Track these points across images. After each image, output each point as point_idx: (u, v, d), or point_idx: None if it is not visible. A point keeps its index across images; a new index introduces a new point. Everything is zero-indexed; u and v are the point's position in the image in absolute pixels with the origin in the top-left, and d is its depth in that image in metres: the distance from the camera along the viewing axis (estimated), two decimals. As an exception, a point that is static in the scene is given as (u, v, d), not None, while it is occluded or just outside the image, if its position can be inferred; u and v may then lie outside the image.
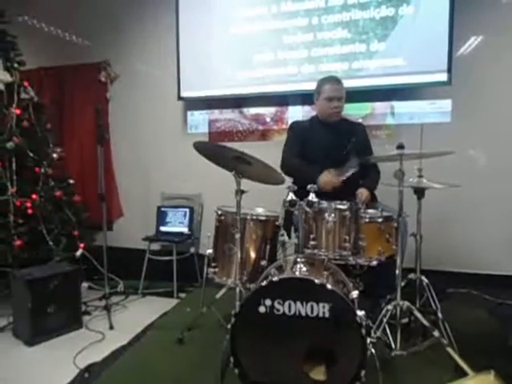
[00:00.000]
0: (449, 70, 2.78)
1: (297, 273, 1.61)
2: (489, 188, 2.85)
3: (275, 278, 1.50)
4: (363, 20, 2.94)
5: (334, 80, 2.46)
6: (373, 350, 1.53)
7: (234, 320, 1.52)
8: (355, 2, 2.94)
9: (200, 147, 1.92)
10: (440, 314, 1.94)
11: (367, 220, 1.90)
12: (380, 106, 3.09)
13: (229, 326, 1.53)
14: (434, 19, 2.79)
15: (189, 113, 3.55)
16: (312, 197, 1.63)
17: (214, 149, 1.93)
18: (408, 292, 2.09)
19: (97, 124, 2.67)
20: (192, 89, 3.38)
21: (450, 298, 2.72)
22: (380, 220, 1.89)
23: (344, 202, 1.74)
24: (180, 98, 3.41)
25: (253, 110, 3.38)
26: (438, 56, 2.79)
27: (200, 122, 3.53)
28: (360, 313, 1.46)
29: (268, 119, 3.35)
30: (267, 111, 3.35)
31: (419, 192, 1.99)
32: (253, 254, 2.07)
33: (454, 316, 2.40)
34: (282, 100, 3.28)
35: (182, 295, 2.99)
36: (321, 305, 1.46)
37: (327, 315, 1.46)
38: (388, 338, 1.86)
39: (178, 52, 3.36)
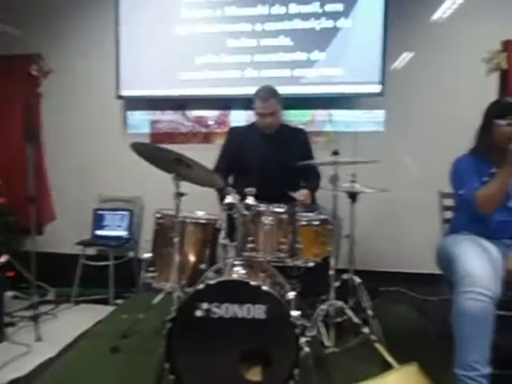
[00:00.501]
0: (382, 83, 2.96)
1: (234, 275, 1.62)
2: (415, 193, 3.07)
3: (212, 281, 1.50)
4: (304, 30, 3.04)
5: (264, 96, 2.39)
6: (307, 349, 1.58)
7: (170, 325, 1.50)
8: (297, 12, 3.04)
9: (138, 148, 1.87)
10: (370, 312, 2.05)
11: (304, 223, 1.96)
12: (320, 114, 3.22)
13: (164, 332, 1.50)
14: (369, 34, 2.96)
15: (129, 112, 3.44)
16: (250, 200, 1.65)
17: (153, 150, 1.88)
18: (342, 292, 2.20)
19: (25, 120, 2.49)
20: (132, 88, 3.27)
21: (381, 296, 2.89)
22: (316, 223, 1.96)
23: (281, 205, 1.79)
24: (119, 96, 3.29)
25: (196, 113, 3.36)
26: (372, 68, 2.97)
27: (141, 122, 3.43)
28: (295, 313, 1.51)
29: (211, 122, 3.34)
30: (210, 114, 3.34)
31: (353, 196, 2.09)
32: (192, 258, 2.05)
33: (384, 313, 2.56)
34: (225, 103, 3.29)
35: (120, 302, 2.88)
36: (257, 306, 1.48)
37: (263, 316, 1.48)
38: (323, 337, 1.93)
39: (118, 48, 3.23)
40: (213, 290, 1.49)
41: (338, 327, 2.05)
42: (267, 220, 1.70)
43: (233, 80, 3.15)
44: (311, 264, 1.98)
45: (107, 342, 2.07)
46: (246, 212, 1.64)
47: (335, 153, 1.83)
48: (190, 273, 2.02)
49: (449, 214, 2.15)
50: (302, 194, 2.21)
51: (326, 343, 1.89)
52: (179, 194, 1.87)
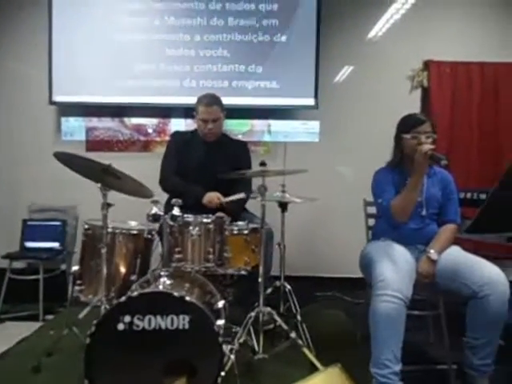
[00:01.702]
0: (315, 96, 3.11)
1: (160, 286, 1.62)
2: (346, 201, 3.20)
3: (134, 294, 1.49)
4: (242, 43, 3.12)
5: (208, 101, 2.41)
6: (232, 357, 1.61)
7: (90, 340, 1.46)
8: (235, 25, 3.11)
9: (61, 158, 1.81)
10: (299, 317, 2.12)
11: (235, 232, 2.00)
12: (258, 124, 3.30)
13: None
14: (304, 49, 3.11)
15: (63, 119, 3.31)
16: (176, 211, 1.66)
17: (78, 160, 1.84)
18: (275, 298, 2.27)
19: None
20: (67, 93, 3.16)
21: (317, 301, 3.00)
22: (246, 232, 2.00)
23: (209, 216, 1.82)
24: (52, 102, 3.16)
25: (134, 120, 3.31)
26: (307, 82, 3.11)
27: (76, 129, 3.31)
28: (219, 322, 1.53)
29: (150, 130, 3.31)
30: (149, 122, 3.31)
31: (283, 205, 2.17)
32: (122, 269, 2.01)
33: (318, 317, 2.67)
34: (164, 112, 3.28)
35: (50, 317, 2.74)
36: (181, 317, 1.49)
37: (187, 327, 1.49)
38: (253, 343, 1.97)
39: (51, 52, 3.11)
40: (135, 302, 1.48)
41: (269, 333, 2.11)
42: (194, 230, 1.72)
43: (172, 89, 3.15)
44: (243, 272, 2.03)
45: (30, 361, 1.97)
46: (171, 223, 1.64)
47: (262, 164, 1.89)
48: (120, 285, 1.98)
49: (372, 222, 2.29)
50: (209, 197, 2.24)
51: (257, 349, 1.93)
52: (106, 205, 1.84)
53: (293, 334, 1.89)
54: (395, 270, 1.67)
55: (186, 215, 1.79)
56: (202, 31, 3.11)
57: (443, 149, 3.19)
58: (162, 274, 1.66)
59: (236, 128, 3.27)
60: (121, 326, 1.47)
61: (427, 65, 3.29)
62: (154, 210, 1.67)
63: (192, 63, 3.14)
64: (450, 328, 1.87)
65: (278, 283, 2.21)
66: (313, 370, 1.89)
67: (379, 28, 3.40)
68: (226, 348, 1.57)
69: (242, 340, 1.84)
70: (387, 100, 3.32)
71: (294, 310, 2.18)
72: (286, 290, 2.19)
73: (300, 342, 1.90)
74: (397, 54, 3.34)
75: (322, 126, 3.32)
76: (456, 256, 1.79)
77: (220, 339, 1.49)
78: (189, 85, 3.14)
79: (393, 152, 2.00)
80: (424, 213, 1.91)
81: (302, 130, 3.31)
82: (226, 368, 1.67)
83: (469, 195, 2.51)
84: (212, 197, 2.27)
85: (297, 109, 3.22)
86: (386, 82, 3.35)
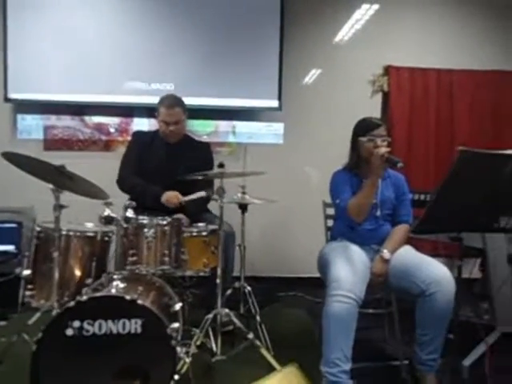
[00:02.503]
0: (279, 98, 3.14)
1: (113, 290, 1.58)
2: (309, 202, 3.27)
3: (83, 298, 1.45)
4: (207, 44, 3.11)
5: (170, 103, 2.38)
6: (187, 360, 1.60)
7: (37, 347, 1.41)
8: (199, 26, 3.09)
9: (10, 158, 1.74)
10: (259, 318, 2.13)
11: (194, 234, 1.99)
12: (223, 125, 3.30)
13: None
14: (267, 52, 3.15)
15: (19, 116, 3.18)
16: (129, 213, 1.63)
17: (29, 161, 1.77)
18: (236, 299, 2.27)
19: None
20: (23, 90, 3.04)
21: (279, 301, 3.02)
22: (205, 233, 1.99)
23: (165, 218, 1.80)
24: (7, 99, 3.03)
25: (96, 119, 3.23)
26: (271, 84, 3.13)
27: (33, 127, 3.19)
28: (174, 325, 1.52)
29: (112, 129, 3.23)
30: (111, 121, 3.23)
31: (242, 207, 2.18)
32: (77, 273, 1.95)
33: (279, 317, 2.70)
34: (127, 111, 3.21)
35: (2, 323, 2.62)
36: (133, 321, 1.46)
37: (139, 331, 1.47)
38: (212, 345, 1.96)
39: (5, 48, 2.98)
40: (84, 306, 1.44)
41: (229, 335, 2.11)
42: (149, 232, 1.69)
43: (135, 88, 3.09)
44: (202, 274, 2.02)
45: (-24, 371, 1.88)
46: (125, 225, 1.61)
47: (221, 165, 1.89)
48: (75, 289, 1.92)
49: (331, 223, 2.33)
50: (167, 196, 2.22)
51: (215, 351, 1.92)
52: (59, 206, 1.78)
53: (250, 335, 1.90)
54: (349, 270, 1.70)
55: (141, 217, 1.76)
56: (166, 30, 3.07)
57: (402, 151, 3.31)
58: (115, 277, 1.62)
59: (200, 129, 3.25)
60: (69, 332, 1.43)
61: (387, 70, 3.39)
62: (107, 211, 1.63)
63: (155, 62, 3.09)
64: (405, 325, 1.94)
65: (237, 284, 2.21)
66: (271, 370, 1.90)
67: (344, 33, 3.48)
68: (180, 351, 1.55)
69: (199, 342, 1.83)
70: (350, 103, 3.40)
71: (254, 311, 2.18)
72: (246, 290, 2.19)
73: (258, 342, 1.91)
74: (360, 59, 3.43)
75: (287, 127, 3.36)
76: (406, 255, 1.85)
77: (173, 342, 1.47)
78: (152, 84, 3.10)
79: (349, 155, 2.04)
80: (378, 214, 1.96)
81: (267, 132, 3.34)
82: (182, 371, 1.66)
83: (425, 197, 2.61)
84: (170, 196, 2.24)
85: (261, 110, 3.24)
86: (350, 85, 3.43)
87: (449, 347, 1.72)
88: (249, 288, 2.21)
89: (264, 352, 1.91)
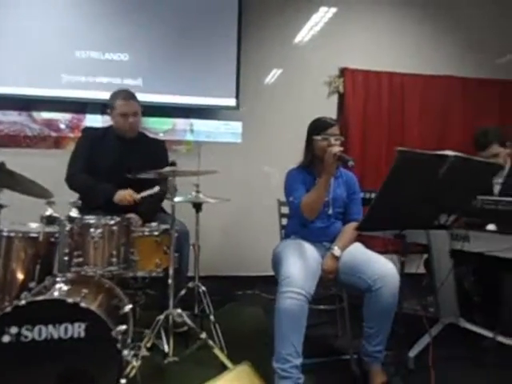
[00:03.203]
0: (237, 96, 3.13)
1: (55, 293, 1.51)
2: (266, 201, 3.30)
3: (21, 302, 1.38)
4: (163, 41, 3.06)
5: (127, 95, 2.35)
6: (135, 363, 1.56)
7: (-32, 356, 1.33)
8: (156, 22, 3.03)
9: None
10: (212, 317, 2.12)
11: (146, 233, 1.94)
12: (180, 123, 3.25)
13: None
14: (225, 51, 3.15)
15: (-42, 110, 2.99)
16: (74, 212, 1.57)
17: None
18: (188, 299, 2.24)
19: None
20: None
21: (237, 300, 3.02)
22: (157, 233, 1.95)
23: (114, 217, 1.74)
24: None
25: (45, 115, 3.08)
26: (229, 83, 3.12)
27: (-25, 122, 3.00)
28: (120, 327, 1.48)
29: (62, 126, 3.10)
30: (62, 117, 3.10)
31: (197, 206, 2.15)
32: (20, 276, 1.86)
33: (236, 316, 2.70)
34: (79, 106, 3.09)
35: None
36: (76, 325, 1.41)
37: (83, 335, 1.42)
38: (164, 346, 1.93)
39: None
40: (22, 311, 1.37)
41: (183, 335, 2.09)
42: (96, 232, 1.64)
43: (88, 82, 2.98)
44: (154, 274, 1.98)
45: None
46: (68, 225, 1.54)
47: (172, 163, 1.86)
48: (16, 293, 1.82)
49: (285, 221, 2.36)
50: (120, 194, 2.17)
51: (167, 352, 1.89)
52: (-2, 206, 1.69)
53: (203, 335, 1.88)
54: (300, 267, 1.73)
55: (87, 216, 1.70)
56: (121, 25, 2.99)
57: (356, 151, 3.41)
58: (59, 279, 1.55)
59: (157, 126, 3.19)
60: (6, 338, 1.36)
61: (343, 72, 3.48)
62: (49, 211, 1.56)
63: (110, 58, 2.99)
64: (356, 320, 1.99)
65: (191, 284, 2.19)
66: (224, 369, 1.89)
67: (304, 34, 3.53)
68: (128, 354, 1.51)
69: (149, 344, 1.79)
70: (307, 103, 3.45)
71: (208, 311, 2.17)
72: (201, 290, 2.17)
73: (211, 342, 1.90)
74: (317, 60, 3.49)
75: (245, 127, 3.36)
76: (355, 253, 1.90)
77: (119, 346, 1.44)
78: (105, 79, 3.00)
79: (304, 153, 2.08)
80: (330, 212, 2.01)
81: (225, 131, 3.33)
82: (131, 375, 1.62)
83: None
84: (124, 194, 2.18)
85: (219, 109, 3.22)
86: (307, 86, 3.49)
87: (396, 340, 1.79)
88: (203, 288, 2.19)
89: (217, 352, 1.90)
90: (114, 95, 2.38)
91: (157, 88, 3.06)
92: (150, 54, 3.04)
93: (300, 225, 2.03)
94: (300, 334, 1.64)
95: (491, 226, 2.20)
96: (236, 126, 3.34)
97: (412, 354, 2.01)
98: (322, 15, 3.57)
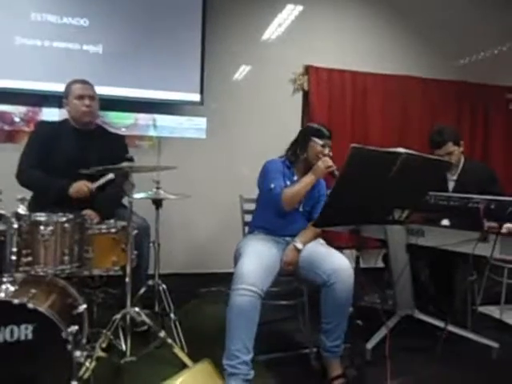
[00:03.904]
0: (201, 92, 3.10)
1: (1, 294, 1.44)
2: (229, 197, 3.29)
3: (-39, 305, 1.30)
4: (125, 33, 2.97)
5: (83, 80, 2.32)
6: (88, 364, 1.51)
7: None
8: (116, 14, 2.94)
9: None
10: (173, 315, 2.10)
11: (103, 231, 1.88)
12: (143, 118, 3.18)
13: None
14: (189, 48, 3.10)
15: None
16: (21, 209, 1.49)
17: None
18: (150, 297, 2.21)
19: None
20: None
21: (201, 297, 3.00)
22: (114, 230, 1.90)
23: (66, 214, 1.68)
24: None
25: (-3, 107, 2.92)
26: (193, 78, 3.08)
27: None
28: (71, 328, 1.42)
29: (17, 119, 2.95)
30: (16, 110, 2.95)
31: (157, 202, 2.11)
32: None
33: (197, 314, 2.68)
34: (35, 99, 2.95)
35: None
36: (22, 327, 1.35)
37: (30, 337, 1.36)
38: (122, 346, 1.88)
39: None
40: (-37, 314, 1.29)
41: (144, 334, 2.05)
42: (46, 230, 1.57)
43: (44, 74, 2.85)
44: (112, 273, 1.93)
45: None
46: (16, 222, 1.47)
47: (129, 159, 1.81)
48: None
49: (248, 218, 2.36)
50: (76, 187, 2.12)
51: (125, 352, 1.85)
52: None
53: (162, 334, 1.85)
54: (254, 264, 1.74)
55: (37, 214, 1.63)
56: (82, 15, 2.87)
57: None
58: (5, 280, 1.48)
59: (118, 120, 3.10)
60: None
61: (307, 70, 3.51)
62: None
63: (71, 49, 2.87)
64: (319, 315, 2.02)
65: (151, 282, 2.15)
66: (184, 368, 1.88)
67: (270, 31, 3.53)
68: (81, 355, 1.46)
69: (104, 344, 1.74)
70: (273, 100, 3.47)
71: (168, 309, 2.14)
72: (161, 288, 2.14)
73: (170, 340, 1.87)
74: (283, 58, 3.50)
75: (210, 122, 3.33)
76: (313, 248, 1.93)
77: (69, 347, 1.38)
78: (63, 70, 2.86)
79: (291, 150, 2.09)
80: (301, 209, 2.05)
81: (189, 126, 3.28)
82: (85, 377, 1.57)
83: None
84: (79, 186, 2.11)
85: (183, 104, 3.17)
86: (273, 83, 3.50)
87: (355, 332, 1.83)
88: (163, 286, 2.16)
89: (177, 350, 1.87)
90: (70, 82, 2.34)
91: (118, 81, 2.97)
92: (112, 47, 2.94)
93: (266, 219, 2.05)
94: (250, 330, 1.64)
95: (446, 221, 2.30)
96: (200, 122, 3.30)
97: (369, 345, 2.07)
98: (289, 13, 3.58)
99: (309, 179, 1.90)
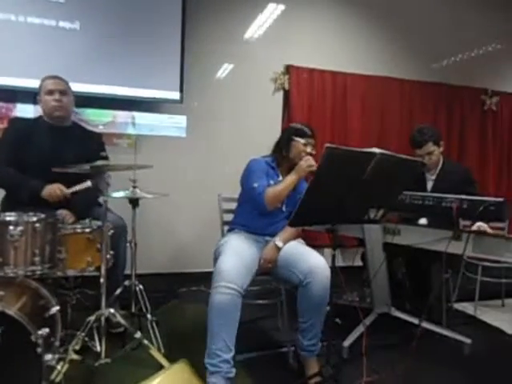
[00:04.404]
0: (181, 90, 3.07)
1: (-33, 297, 1.40)
2: (208, 195, 3.27)
3: None
4: (106, 30, 2.91)
5: (55, 76, 2.28)
6: (59, 367, 1.48)
7: None
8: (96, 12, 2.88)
9: None
10: (150, 316, 2.07)
11: (78, 230, 1.85)
12: (121, 115, 3.12)
13: None
14: (169, 45, 3.06)
15: None
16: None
17: None
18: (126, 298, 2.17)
19: None
20: None
21: (181, 297, 2.98)
22: (89, 230, 1.87)
23: (37, 214, 1.64)
24: None
25: (-32, 103, 2.83)
26: (172, 76, 3.04)
27: None
28: (41, 331, 1.39)
29: (-11, 115, 2.87)
30: (-12, 106, 2.86)
31: (133, 201, 2.08)
32: None
33: (176, 314, 2.66)
34: (8, 95, 2.87)
35: None
36: (-11, 330, 1.31)
37: (-1, 340, 1.32)
38: (97, 348, 1.85)
39: None
40: None
41: (121, 336, 2.02)
42: (16, 230, 1.52)
43: (19, 69, 2.77)
44: (87, 273, 1.89)
45: None
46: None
47: (104, 157, 1.78)
48: None
49: (226, 217, 2.35)
50: (49, 189, 2.07)
51: (100, 354, 1.81)
52: None
53: (138, 335, 1.83)
54: (234, 262, 1.73)
55: (7, 214, 1.58)
56: (58, 10, 2.80)
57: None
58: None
59: (96, 118, 3.04)
60: None
61: (288, 69, 3.52)
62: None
63: (45, 41, 2.80)
64: (296, 313, 2.03)
65: (127, 282, 2.11)
66: (161, 369, 1.85)
67: (252, 30, 3.51)
68: (51, 358, 1.43)
69: (78, 347, 1.71)
70: (253, 99, 3.47)
71: (145, 309, 2.11)
72: (138, 289, 2.11)
73: (146, 341, 1.84)
74: (264, 56, 3.50)
75: (190, 121, 3.30)
76: (291, 247, 1.93)
77: (39, 350, 1.35)
78: (39, 66, 2.79)
79: (276, 150, 2.09)
80: (284, 209, 2.04)
81: (169, 124, 3.25)
82: (57, 380, 1.53)
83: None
84: (53, 189, 2.06)
85: (162, 102, 3.13)
86: (254, 82, 3.49)
87: (334, 330, 1.85)
88: (140, 286, 2.12)
89: (153, 351, 1.85)
90: (42, 79, 2.30)
91: (95, 78, 2.91)
92: (90, 44, 2.88)
93: (247, 218, 2.04)
94: (231, 329, 1.64)
95: (423, 220, 2.34)
96: (181, 120, 3.27)
97: (346, 343, 2.09)
98: (271, 11, 3.58)
99: (291, 179, 1.90)
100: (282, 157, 2.05)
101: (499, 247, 1.89)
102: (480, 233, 1.87)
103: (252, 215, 2.02)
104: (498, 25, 4.19)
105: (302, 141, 2.00)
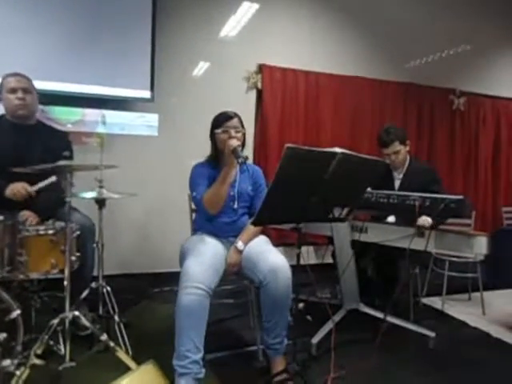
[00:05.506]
0: (152, 89, 3.03)
1: None
2: (179, 195, 3.26)
3: None
4: (75, 26, 2.85)
5: (17, 73, 2.22)
6: (18, 372, 1.45)
7: None
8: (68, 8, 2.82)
9: None
10: (117, 318, 2.04)
11: (40, 232, 1.80)
12: (91, 113, 3.06)
13: None
14: (139, 43, 3.01)
15: None
16: None
17: None
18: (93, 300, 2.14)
19: None
20: None
21: (153, 297, 2.95)
22: (52, 232, 1.83)
23: (-4, 215, 1.59)
24: None
25: None
26: (143, 74, 3.01)
27: None
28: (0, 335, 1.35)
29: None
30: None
31: (100, 202, 2.05)
32: None
33: (146, 315, 2.63)
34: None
35: None
36: None
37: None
38: (62, 352, 1.81)
39: None
40: None
41: (88, 339, 1.98)
42: (-28, 233, 1.48)
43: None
44: (51, 276, 1.85)
45: None
46: None
47: (67, 157, 1.74)
48: None
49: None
50: (13, 188, 2.01)
51: (64, 357, 1.78)
52: None
53: (104, 337, 1.80)
54: (200, 262, 1.72)
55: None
56: (27, 6, 2.72)
57: (275, 147, 3.49)
58: None
59: (65, 116, 2.97)
60: None
61: (261, 68, 3.52)
62: None
63: (10, 38, 2.71)
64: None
65: (94, 284, 2.08)
66: (128, 371, 1.84)
67: (226, 28, 3.50)
68: (10, 364, 1.40)
69: (39, 351, 1.67)
70: (227, 98, 3.43)
71: (112, 311, 2.08)
72: (105, 290, 2.08)
73: (112, 343, 1.82)
74: (238, 55, 3.50)
75: (162, 119, 3.27)
76: (252, 247, 1.92)
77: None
78: (8, 63, 2.70)
79: (211, 148, 2.06)
80: (236, 206, 2.00)
81: (140, 123, 3.20)
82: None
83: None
84: (17, 188, 2.00)
85: (132, 100, 3.09)
86: (228, 80, 3.48)
87: (303, 327, 1.87)
88: (108, 288, 2.10)
89: (119, 353, 1.83)
90: (3, 77, 2.24)
91: (63, 76, 2.84)
92: (57, 41, 2.81)
93: (205, 220, 2.02)
94: (200, 329, 1.64)
95: (391, 218, 2.39)
96: (152, 119, 3.23)
97: (314, 340, 2.12)
98: (246, 10, 3.57)
99: (224, 172, 1.85)
100: (216, 153, 2.01)
101: (460, 243, 1.95)
102: (441, 230, 1.93)
103: (208, 219, 2.00)
104: (467, 26, 4.31)
105: (219, 130, 1.94)
